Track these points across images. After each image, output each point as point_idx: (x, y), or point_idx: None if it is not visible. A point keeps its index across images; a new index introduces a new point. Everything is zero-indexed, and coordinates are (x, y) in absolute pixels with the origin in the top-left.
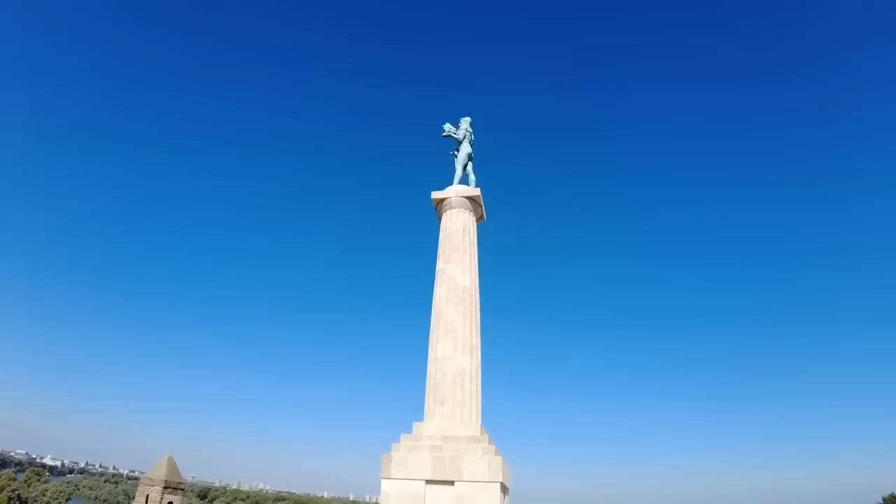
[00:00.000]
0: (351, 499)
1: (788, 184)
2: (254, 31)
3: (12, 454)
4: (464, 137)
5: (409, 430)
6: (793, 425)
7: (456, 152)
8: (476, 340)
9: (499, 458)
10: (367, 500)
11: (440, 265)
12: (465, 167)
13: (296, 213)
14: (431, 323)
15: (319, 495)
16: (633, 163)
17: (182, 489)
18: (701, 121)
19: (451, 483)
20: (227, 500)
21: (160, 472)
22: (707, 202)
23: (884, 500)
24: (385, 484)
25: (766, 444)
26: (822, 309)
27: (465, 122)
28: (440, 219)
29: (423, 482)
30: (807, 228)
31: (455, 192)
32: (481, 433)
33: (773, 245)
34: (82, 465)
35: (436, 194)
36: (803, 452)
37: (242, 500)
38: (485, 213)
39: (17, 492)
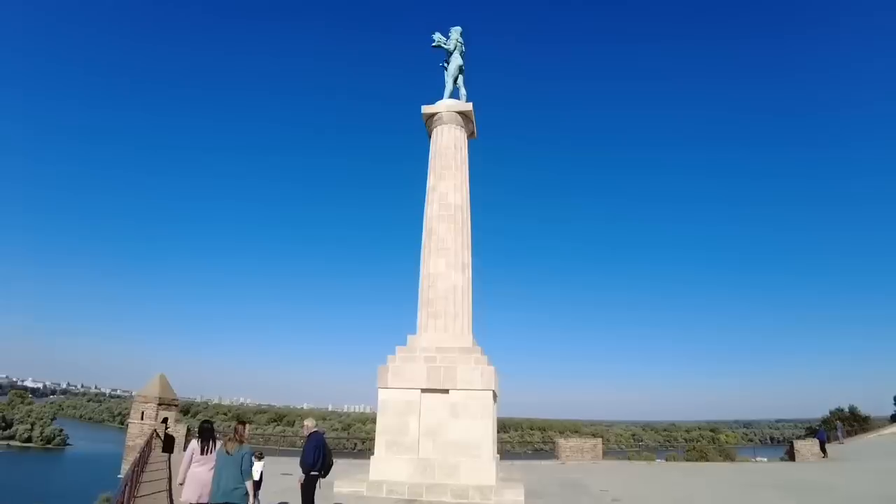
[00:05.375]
0: (329, 409)
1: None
2: None
3: None
4: (454, 49)
5: (403, 342)
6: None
7: (446, 64)
8: (467, 257)
9: (490, 368)
10: (344, 409)
11: (431, 182)
12: (455, 80)
13: (288, 126)
14: (423, 240)
15: (299, 407)
16: (628, 77)
17: (176, 405)
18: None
19: (446, 391)
20: (208, 414)
21: (153, 390)
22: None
23: (831, 413)
24: (382, 393)
25: (728, 357)
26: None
27: (456, 33)
28: (430, 135)
29: (419, 391)
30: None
31: (446, 106)
32: (473, 345)
33: None
34: (64, 385)
35: (426, 109)
36: (766, 368)
37: (224, 413)
38: (476, 129)
39: (1, 413)
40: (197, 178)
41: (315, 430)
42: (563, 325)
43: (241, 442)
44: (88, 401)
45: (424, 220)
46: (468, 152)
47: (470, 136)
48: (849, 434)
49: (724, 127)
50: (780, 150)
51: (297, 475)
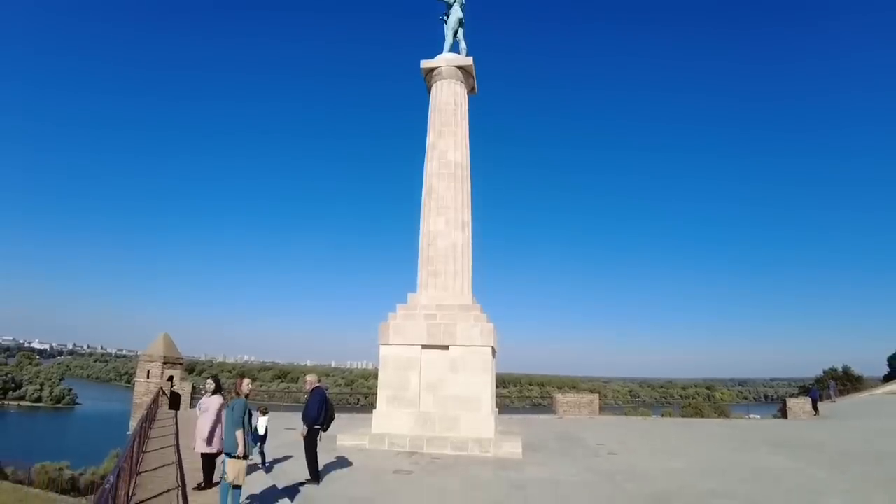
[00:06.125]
0: (333, 366)
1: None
2: None
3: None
4: (454, 0)
5: (403, 300)
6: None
7: (445, 17)
8: (467, 216)
9: (490, 325)
10: (347, 366)
11: (431, 139)
12: (455, 34)
13: (285, 77)
14: (423, 199)
15: (303, 364)
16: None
17: (180, 363)
18: None
19: (446, 347)
20: (213, 372)
21: (158, 349)
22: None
23: (824, 372)
24: (383, 349)
25: (726, 318)
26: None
27: None
28: (430, 91)
29: (420, 347)
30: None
31: (445, 61)
32: (473, 303)
33: None
34: (70, 347)
35: (425, 63)
36: (762, 326)
37: (229, 371)
38: (476, 85)
39: (10, 375)
40: (196, 135)
41: (317, 385)
42: (564, 284)
43: (237, 395)
44: (95, 361)
45: (424, 178)
46: (468, 108)
47: (470, 91)
48: (841, 393)
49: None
50: (781, 101)
51: (301, 429)
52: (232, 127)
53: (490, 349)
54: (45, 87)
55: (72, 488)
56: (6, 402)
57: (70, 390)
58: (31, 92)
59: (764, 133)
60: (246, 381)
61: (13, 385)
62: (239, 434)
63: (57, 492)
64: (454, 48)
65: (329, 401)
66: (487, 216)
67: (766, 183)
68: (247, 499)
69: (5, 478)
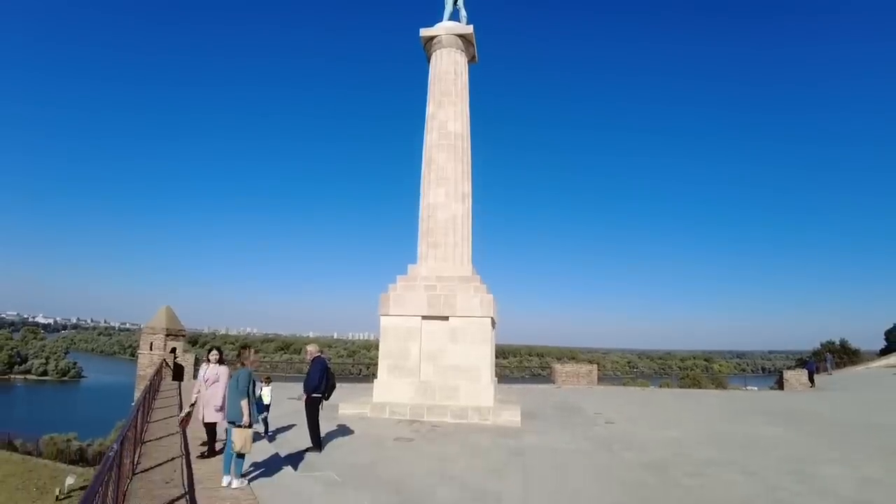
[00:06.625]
0: (335, 337)
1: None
2: None
3: (4, 316)
4: None
5: (404, 272)
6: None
7: None
8: (467, 187)
9: (489, 296)
10: (349, 337)
11: (430, 110)
12: (455, 2)
13: (284, 55)
14: (423, 170)
15: (305, 335)
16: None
17: (183, 335)
18: None
19: (446, 318)
20: (216, 344)
21: (160, 321)
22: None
23: (822, 345)
24: (384, 320)
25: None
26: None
27: None
28: (429, 60)
29: (420, 318)
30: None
31: (445, 29)
32: (472, 274)
33: None
34: (74, 321)
35: (424, 31)
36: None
37: (231, 343)
38: (477, 54)
39: (16, 349)
40: (200, 113)
41: (318, 354)
42: (564, 255)
43: (242, 365)
44: (99, 335)
45: (424, 149)
46: (469, 78)
47: (471, 60)
48: (838, 366)
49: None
50: (785, 86)
51: (300, 395)
52: (230, 98)
53: (489, 320)
54: (48, 72)
55: (80, 459)
56: (12, 376)
57: (75, 364)
58: (32, 77)
59: (766, 116)
60: (251, 352)
61: (19, 359)
62: (244, 403)
63: (66, 462)
64: (454, 16)
65: (330, 370)
66: (487, 187)
67: (766, 158)
68: (251, 466)
69: (14, 449)
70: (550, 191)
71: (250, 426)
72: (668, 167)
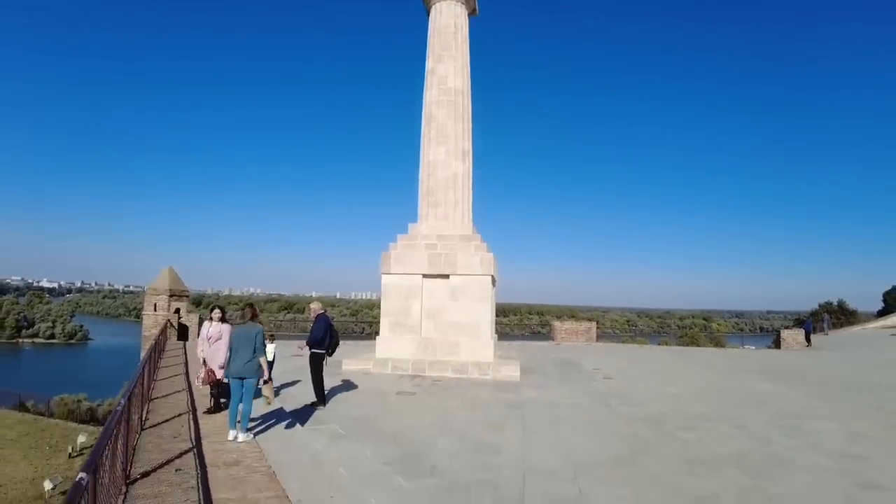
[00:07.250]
0: (337, 297)
1: None
2: None
3: (8, 281)
4: None
5: (404, 231)
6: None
7: None
8: (468, 145)
9: (490, 255)
10: (352, 296)
11: (430, 65)
12: None
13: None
14: (422, 128)
15: (308, 295)
16: None
17: (186, 296)
18: None
19: (447, 276)
20: (220, 304)
21: (163, 283)
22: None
23: (820, 306)
24: (385, 278)
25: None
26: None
27: None
28: (429, 13)
29: (421, 276)
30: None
31: None
32: (473, 232)
33: None
34: (78, 285)
35: None
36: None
37: (235, 303)
38: (477, 6)
39: (22, 314)
40: (200, 81)
41: (321, 311)
42: (564, 214)
43: (253, 319)
44: (104, 297)
45: (423, 105)
46: (469, 31)
47: (471, 13)
48: (835, 327)
49: None
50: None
51: (304, 349)
52: (231, 59)
53: (490, 278)
54: (50, 22)
55: (91, 419)
56: (21, 340)
57: (82, 326)
58: (33, 26)
59: (770, 85)
60: (258, 309)
61: (26, 323)
62: (263, 360)
63: (77, 422)
64: None
65: (333, 327)
66: (489, 144)
67: (768, 118)
68: (257, 420)
69: (26, 410)
70: (552, 152)
71: (269, 381)
72: (672, 118)
